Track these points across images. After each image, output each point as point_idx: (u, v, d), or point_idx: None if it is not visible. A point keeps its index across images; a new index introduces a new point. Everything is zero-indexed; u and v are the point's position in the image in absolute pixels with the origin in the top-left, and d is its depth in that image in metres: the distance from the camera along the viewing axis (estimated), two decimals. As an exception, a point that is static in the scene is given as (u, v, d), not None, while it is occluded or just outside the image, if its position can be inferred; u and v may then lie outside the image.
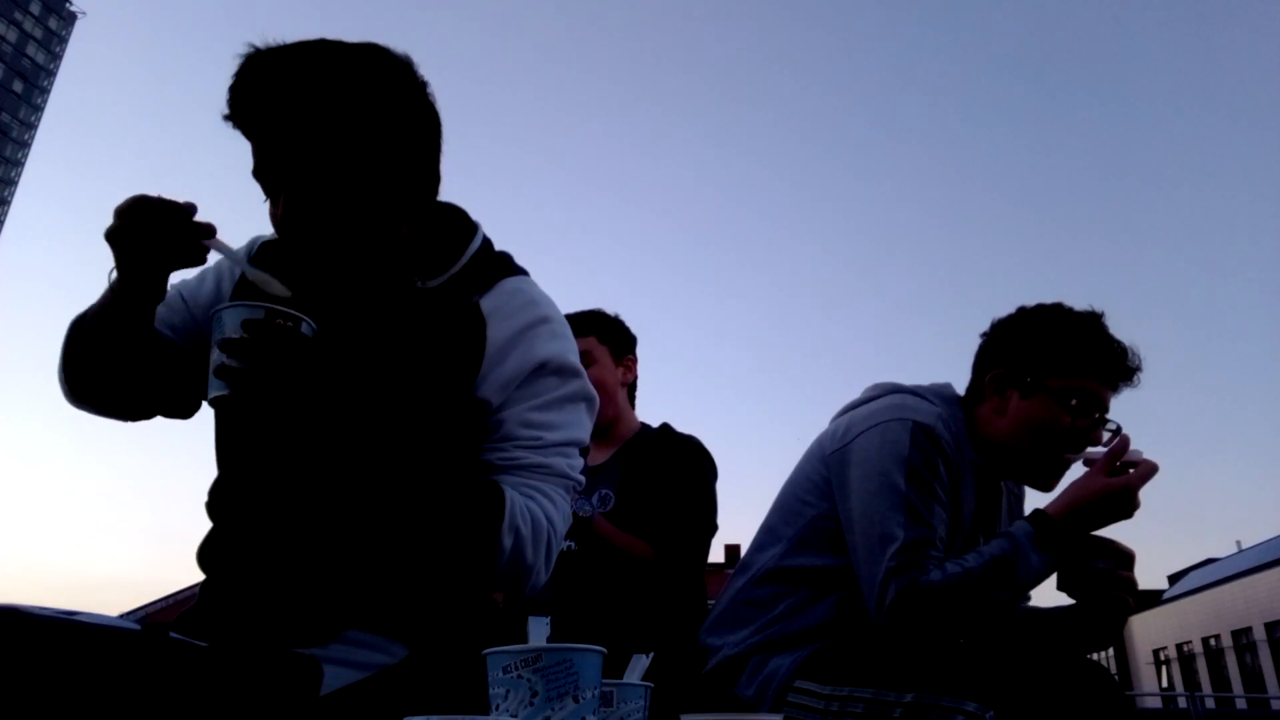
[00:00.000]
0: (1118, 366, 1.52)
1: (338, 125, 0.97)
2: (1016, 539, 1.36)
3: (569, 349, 1.13)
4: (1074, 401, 1.49)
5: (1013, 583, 1.34)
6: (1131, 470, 1.39)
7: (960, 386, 1.66)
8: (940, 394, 1.60)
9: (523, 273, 1.18)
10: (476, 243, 1.16)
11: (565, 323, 1.15)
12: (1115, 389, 1.53)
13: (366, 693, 0.98)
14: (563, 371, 1.10)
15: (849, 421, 1.55)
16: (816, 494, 1.54)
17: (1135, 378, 1.54)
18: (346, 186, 0.99)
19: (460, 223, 1.18)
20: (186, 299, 1.17)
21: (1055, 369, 1.51)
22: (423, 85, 1.04)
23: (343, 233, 1.01)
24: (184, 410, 1.16)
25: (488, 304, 1.09)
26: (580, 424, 1.13)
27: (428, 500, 0.97)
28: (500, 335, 1.07)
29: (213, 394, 0.89)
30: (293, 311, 0.91)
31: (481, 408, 1.06)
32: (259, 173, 1.01)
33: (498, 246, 1.21)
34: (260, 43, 0.97)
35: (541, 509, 1.05)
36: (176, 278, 1.18)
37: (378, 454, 0.95)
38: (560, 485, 1.08)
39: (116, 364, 1.05)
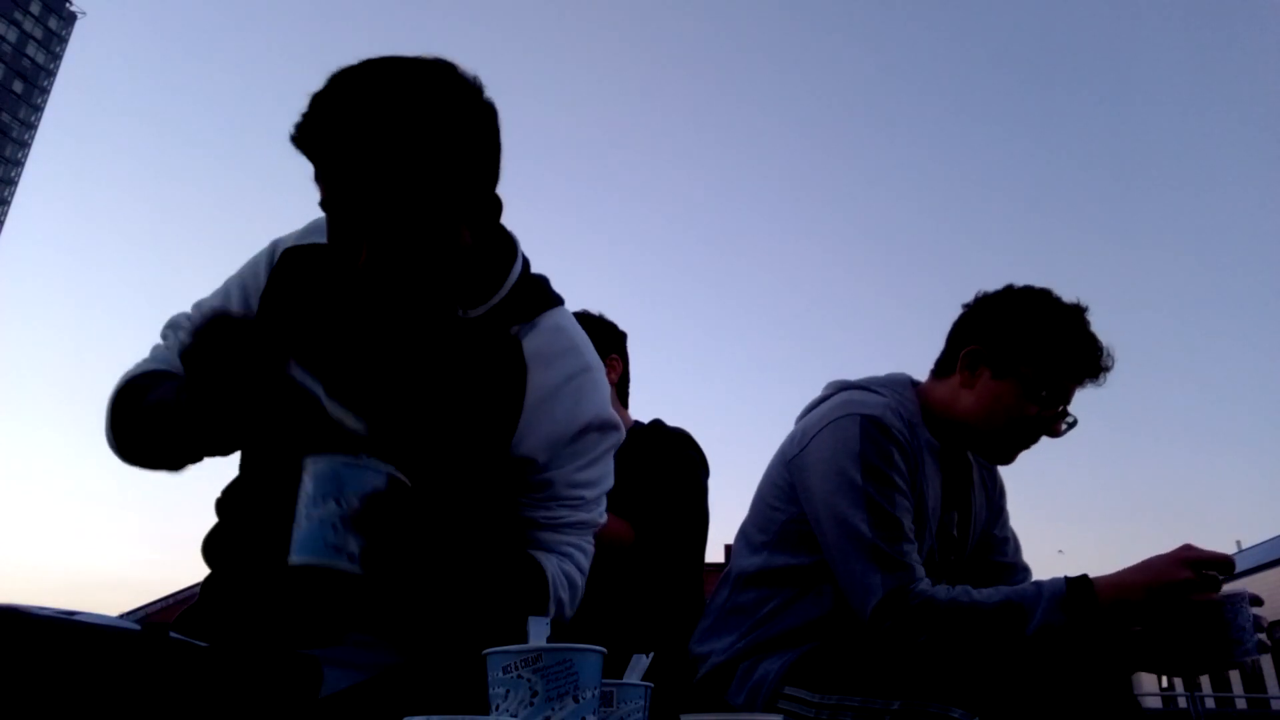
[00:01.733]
0: (1092, 366, 1.52)
1: (420, 160, 0.92)
2: (1041, 592, 1.32)
3: (607, 396, 1.15)
4: (1043, 392, 1.50)
5: (1018, 631, 1.29)
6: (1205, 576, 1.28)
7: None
8: (891, 383, 1.60)
9: (560, 302, 1.19)
10: (518, 268, 1.15)
11: (601, 365, 1.17)
12: (1083, 385, 1.54)
13: (367, 693, 0.98)
14: (604, 427, 1.13)
15: (805, 425, 1.57)
16: (783, 499, 1.55)
17: (1103, 378, 1.54)
18: (431, 229, 0.96)
19: (502, 241, 1.15)
20: None
21: (1032, 357, 1.50)
22: (492, 110, 1.01)
23: (427, 276, 0.99)
24: (226, 451, 1.09)
25: (530, 345, 1.09)
26: (611, 471, 1.18)
27: (474, 578, 1.00)
28: (543, 385, 1.08)
29: (315, 560, 0.81)
30: (401, 477, 0.87)
31: (528, 465, 1.07)
32: (336, 208, 0.96)
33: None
34: (336, 68, 0.93)
35: (575, 566, 1.10)
36: (196, 295, 1.17)
37: (432, 521, 0.93)
38: (591, 532, 1.14)
39: (173, 446, 1.03)
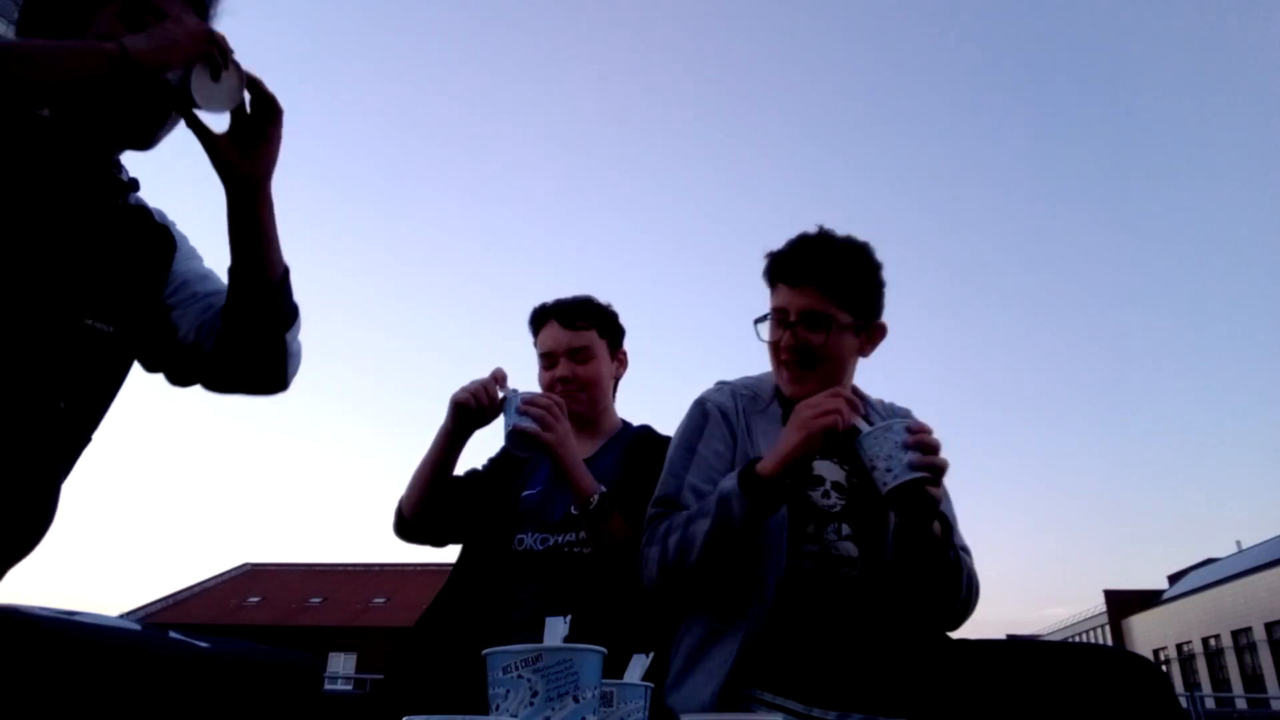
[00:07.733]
0: (776, 261, 1.56)
1: None
2: (723, 493, 1.35)
3: None
4: (771, 320, 1.58)
5: (732, 528, 1.32)
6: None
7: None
8: (766, 373, 1.68)
9: None
10: None
11: None
12: (800, 281, 1.53)
13: (366, 693, 0.98)
14: None
15: None
16: None
17: (799, 258, 1.53)
18: None
19: None
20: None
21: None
22: None
23: None
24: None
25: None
26: None
27: None
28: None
29: None
30: None
31: None
32: None
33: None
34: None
35: None
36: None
37: None
38: None
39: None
